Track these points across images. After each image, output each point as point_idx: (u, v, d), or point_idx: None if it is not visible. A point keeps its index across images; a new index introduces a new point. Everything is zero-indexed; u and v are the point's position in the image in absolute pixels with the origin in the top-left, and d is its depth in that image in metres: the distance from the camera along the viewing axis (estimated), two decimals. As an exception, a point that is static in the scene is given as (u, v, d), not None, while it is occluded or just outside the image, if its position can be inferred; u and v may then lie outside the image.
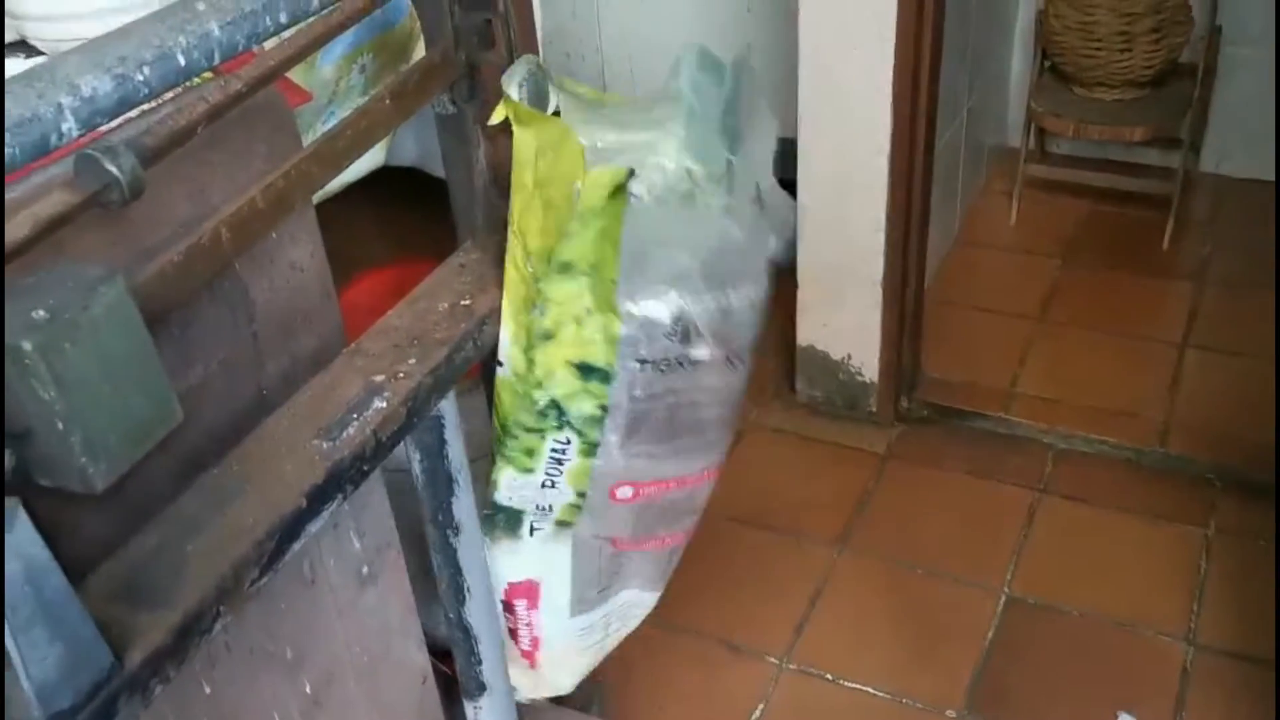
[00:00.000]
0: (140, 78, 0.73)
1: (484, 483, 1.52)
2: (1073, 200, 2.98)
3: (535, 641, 1.25)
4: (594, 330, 0.95)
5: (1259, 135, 2.85)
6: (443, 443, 1.06)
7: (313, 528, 0.82)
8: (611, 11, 2.90)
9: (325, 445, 0.84)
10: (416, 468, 1.09)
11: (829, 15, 1.96)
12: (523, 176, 0.96)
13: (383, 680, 1.15)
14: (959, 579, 1.97)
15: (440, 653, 1.27)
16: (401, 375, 0.92)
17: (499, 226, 1.11)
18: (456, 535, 1.12)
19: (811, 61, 2.02)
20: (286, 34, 0.85)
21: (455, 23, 0.99)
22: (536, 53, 1.38)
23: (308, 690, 1.03)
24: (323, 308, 1.04)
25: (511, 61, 1.02)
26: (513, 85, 0.96)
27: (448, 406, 1.05)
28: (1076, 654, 1.82)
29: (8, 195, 0.74)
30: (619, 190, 0.93)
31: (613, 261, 0.94)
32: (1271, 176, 2.81)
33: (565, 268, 0.95)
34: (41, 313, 0.60)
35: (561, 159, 0.95)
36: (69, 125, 0.70)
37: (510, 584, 1.19)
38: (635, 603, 1.27)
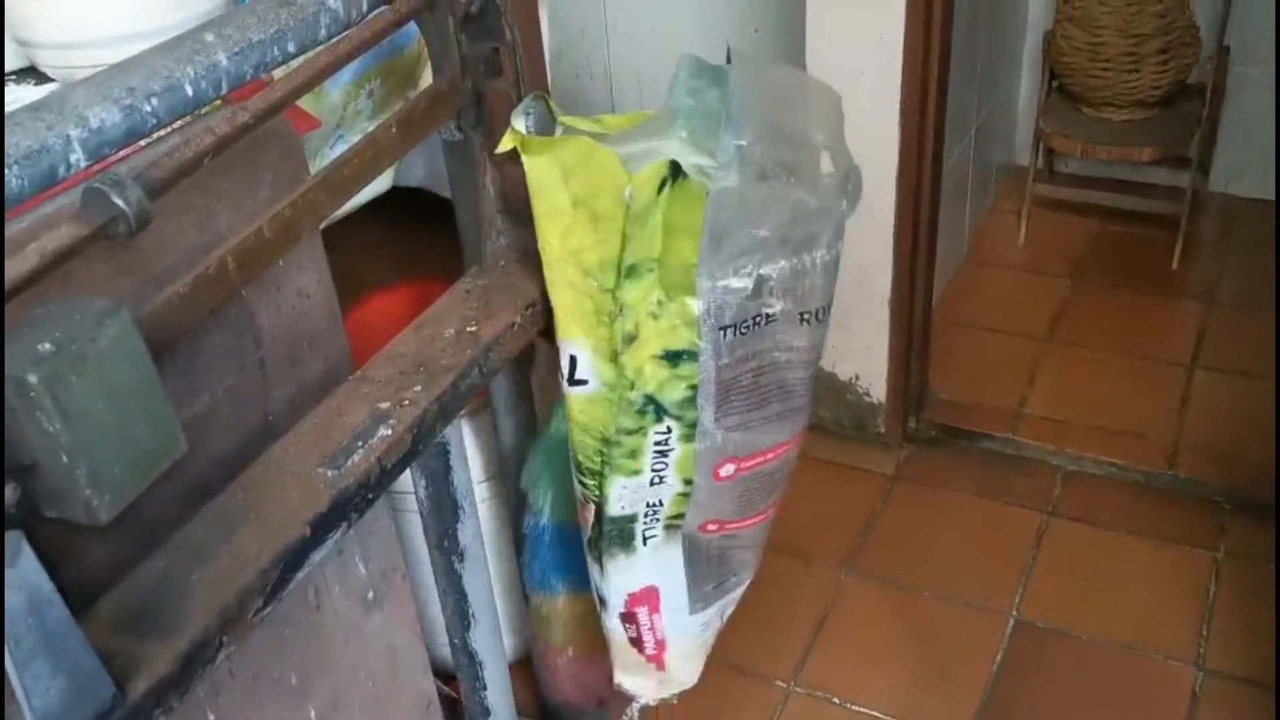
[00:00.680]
0: (148, 109, 0.74)
1: (501, 501, 1.52)
2: (1081, 220, 2.98)
3: (661, 644, 1.27)
4: (672, 318, 0.98)
5: (1268, 155, 2.84)
6: (448, 468, 1.07)
7: (317, 556, 0.82)
8: (620, 30, 2.91)
9: (330, 474, 0.84)
10: (421, 493, 1.09)
11: (837, 33, 1.97)
12: (553, 201, 0.97)
13: (388, 706, 1.15)
14: (967, 602, 1.96)
15: (445, 675, 1.27)
16: (407, 402, 0.92)
17: (506, 253, 1.12)
18: (461, 561, 1.12)
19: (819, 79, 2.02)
20: (295, 62, 0.86)
21: (462, 51, 1.00)
22: (545, 79, 1.39)
23: (313, 717, 1.03)
24: (329, 333, 1.05)
25: (519, 88, 1.03)
26: (519, 118, 0.97)
27: (453, 432, 1.05)
28: (1085, 678, 1.81)
29: (16, 228, 0.74)
30: (665, 183, 0.95)
31: (680, 249, 0.96)
32: (1281, 196, 2.81)
33: (632, 270, 0.98)
34: (47, 345, 0.60)
35: (596, 172, 0.96)
36: (77, 156, 0.71)
37: (630, 595, 1.20)
38: (735, 596, 1.30)
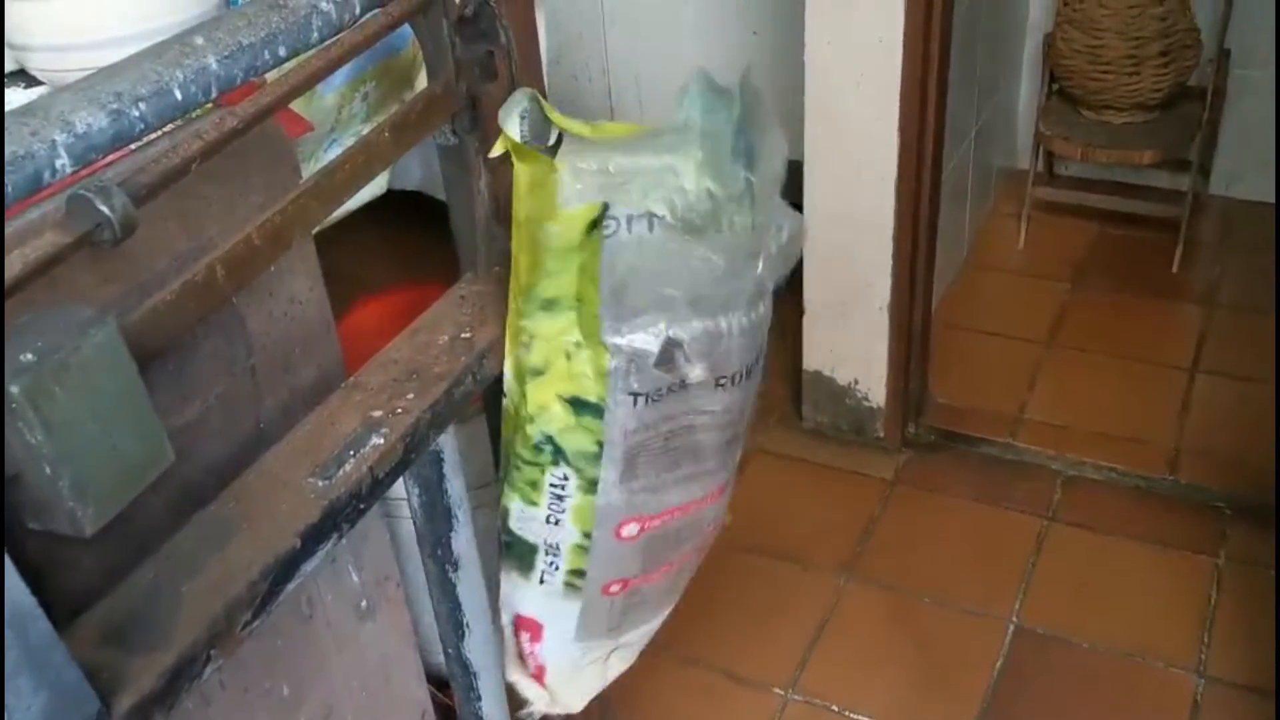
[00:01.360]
0: (136, 113, 0.72)
1: (494, 508, 1.50)
2: (1081, 223, 2.97)
3: (540, 669, 1.24)
4: (584, 364, 0.94)
5: (1268, 158, 2.83)
6: (441, 477, 1.05)
7: (308, 567, 0.81)
8: (618, 33, 2.90)
9: (321, 483, 0.83)
10: (415, 501, 1.08)
11: (835, 36, 1.96)
12: (518, 211, 0.95)
13: (382, 715, 1.14)
14: (966, 608, 1.95)
15: (439, 682, 1.26)
16: (400, 411, 0.90)
17: (500, 258, 1.10)
18: (455, 570, 1.11)
19: (817, 84, 2.02)
20: (287, 66, 0.84)
21: (457, 55, 0.98)
22: (541, 83, 1.37)
23: (304, 727, 1.02)
24: (322, 340, 1.03)
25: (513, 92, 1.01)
26: (512, 119, 0.95)
27: (447, 440, 1.04)
28: (1085, 685, 1.80)
29: (-1, 234, 0.73)
30: (595, 225, 0.92)
31: (596, 296, 0.92)
32: (1282, 200, 2.80)
33: (549, 304, 0.94)
34: (29, 355, 0.59)
35: (544, 196, 0.94)
36: (63, 162, 0.69)
37: (517, 615, 1.17)
38: (645, 630, 1.26)
